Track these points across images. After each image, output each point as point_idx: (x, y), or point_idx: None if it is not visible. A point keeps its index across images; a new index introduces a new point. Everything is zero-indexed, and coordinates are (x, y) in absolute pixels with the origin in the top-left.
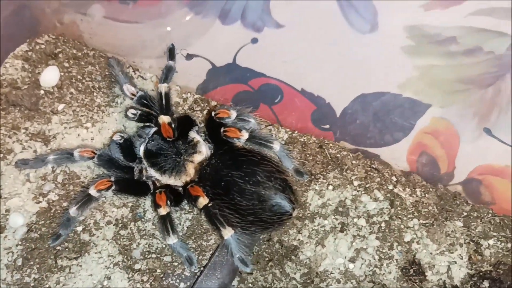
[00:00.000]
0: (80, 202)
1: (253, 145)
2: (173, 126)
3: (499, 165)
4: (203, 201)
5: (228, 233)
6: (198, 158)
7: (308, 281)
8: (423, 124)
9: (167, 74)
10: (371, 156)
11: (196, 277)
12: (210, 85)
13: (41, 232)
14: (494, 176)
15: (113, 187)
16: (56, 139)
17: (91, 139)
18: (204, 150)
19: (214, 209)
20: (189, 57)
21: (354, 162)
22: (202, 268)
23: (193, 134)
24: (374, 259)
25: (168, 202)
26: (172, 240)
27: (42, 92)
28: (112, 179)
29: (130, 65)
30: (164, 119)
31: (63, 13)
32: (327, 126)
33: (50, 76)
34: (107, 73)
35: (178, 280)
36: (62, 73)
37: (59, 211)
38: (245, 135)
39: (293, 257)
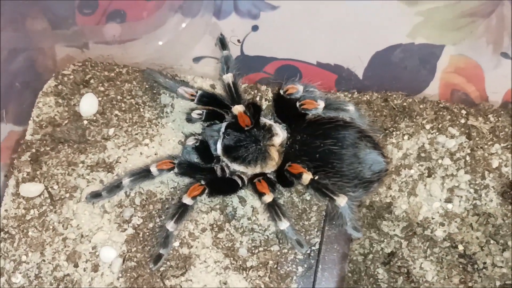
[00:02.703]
0: (176, 214)
1: (330, 111)
2: (248, 114)
3: None
4: (307, 176)
5: (343, 200)
6: (277, 140)
7: (411, 233)
8: (444, 65)
9: (227, 63)
10: None
11: (318, 253)
12: None
13: (137, 259)
14: None
15: (207, 190)
16: (120, 163)
17: (155, 154)
18: (279, 132)
19: (323, 180)
20: (196, 60)
21: (421, 106)
22: (312, 248)
23: (264, 119)
24: (470, 193)
25: (270, 188)
26: (285, 224)
27: (85, 122)
28: (203, 182)
29: (167, 72)
30: (239, 108)
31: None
32: (354, 91)
33: (88, 104)
34: (147, 86)
35: (294, 265)
36: (99, 98)
37: (147, 233)
38: (321, 104)
39: (386, 215)
